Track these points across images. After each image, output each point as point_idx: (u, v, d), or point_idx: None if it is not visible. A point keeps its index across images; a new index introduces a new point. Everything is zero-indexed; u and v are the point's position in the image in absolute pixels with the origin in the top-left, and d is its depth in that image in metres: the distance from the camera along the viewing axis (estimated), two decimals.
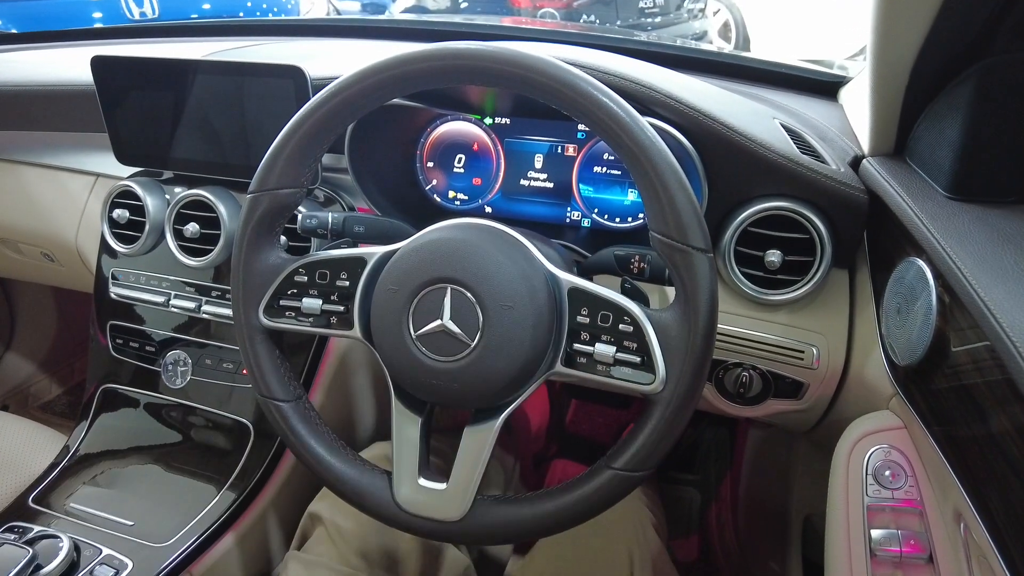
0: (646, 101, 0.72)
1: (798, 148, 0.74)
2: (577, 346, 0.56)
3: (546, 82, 0.52)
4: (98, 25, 2.81)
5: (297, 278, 0.61)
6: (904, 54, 0.62)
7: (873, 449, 0.65)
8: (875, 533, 0.62)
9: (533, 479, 1.33)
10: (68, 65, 1.13)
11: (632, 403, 1.52)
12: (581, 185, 0.89)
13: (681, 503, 1.40)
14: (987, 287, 0.49)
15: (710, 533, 1.34)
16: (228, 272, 0.93)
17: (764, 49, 4.48)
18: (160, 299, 0.97)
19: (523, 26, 1.75)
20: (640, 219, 0.88)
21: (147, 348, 0.99)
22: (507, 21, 2.38)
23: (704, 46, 2.56)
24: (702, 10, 4.32)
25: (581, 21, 3.91)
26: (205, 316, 0.95)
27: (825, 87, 1.02)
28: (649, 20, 4.04)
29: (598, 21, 3.96)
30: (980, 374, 0.50)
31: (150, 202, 0.94)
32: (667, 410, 0.53)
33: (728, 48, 4.23)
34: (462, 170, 0.94)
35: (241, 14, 3.38)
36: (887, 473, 0.64)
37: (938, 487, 0.60)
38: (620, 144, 0.52)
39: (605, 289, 0.55)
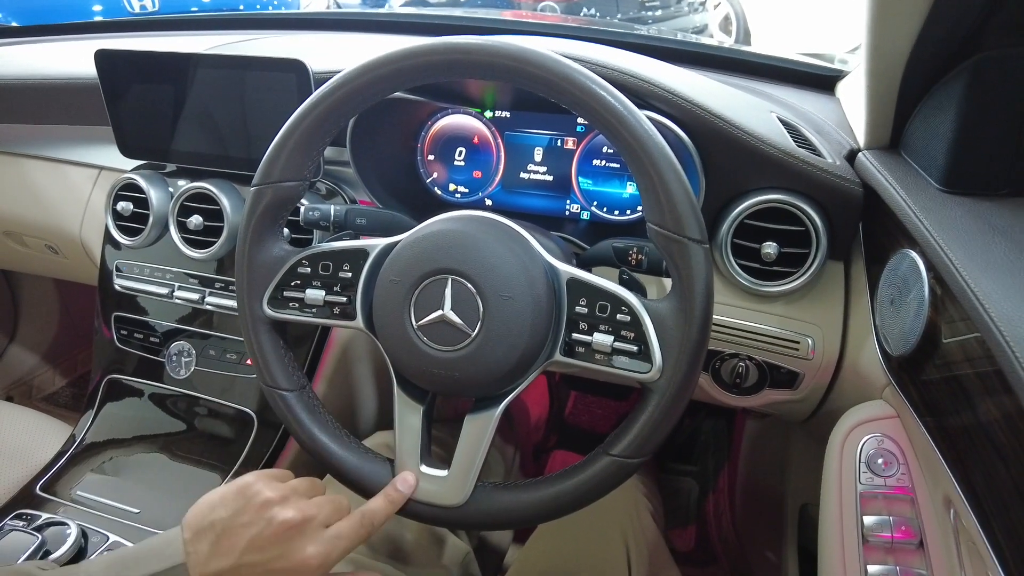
0: (644, 95, 0.73)
1: (794, 142, 0.75)
2: (575, 336, 0.57)
3: (545, 76, 0.53)
4: (99, 18, 2.81)
5: (300, 269, 0.62)
6: (898, 49, 0.63)
7: (866, 438, 0.66)
8: (867, 520, 0.63)
9: (533, 469, 1.35)
10: (70, 59, 1.13)
11: (630, 394, 1.53)
12: (580, 178, 0.90)
13: (679, 493, 1.42)
14: (978, 279, 0.50)
15: (707, 523, 1.36)
16: (231, 264, 0.94)
17: (765, 43, 4.47)
18: (164, 291, 0.98)
19: (524, 20, 1.75)
20: (639, 212, 0.89)
21: (151, 339, 1.00)
22: (508, 14, 2.38)
23: (704, 40, 2.56)
24: (703, 3, 4.31)
25: (581, 14, 3.90)
26: (209, 307, 0.96)
27: (822, 81, 1.03)
28: (649, 13, 4.03)
29: (599, 14, 3.95)
30: (970, 365, 0.51)
31: (154, 195, 0.95)
32: (663, 398, 0.54)
33: (729, 42, 4.22)
34: (463, 163, 0.95)
35: (241, 7, 3.38)
36: (880, 461, 0.65)
37: (929, 474, 0.61)
38: (617, 137, 0.53)
39: (603, 280, 0.56)
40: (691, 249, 0.53)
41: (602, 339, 0.55)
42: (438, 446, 0.77)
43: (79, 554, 0.76)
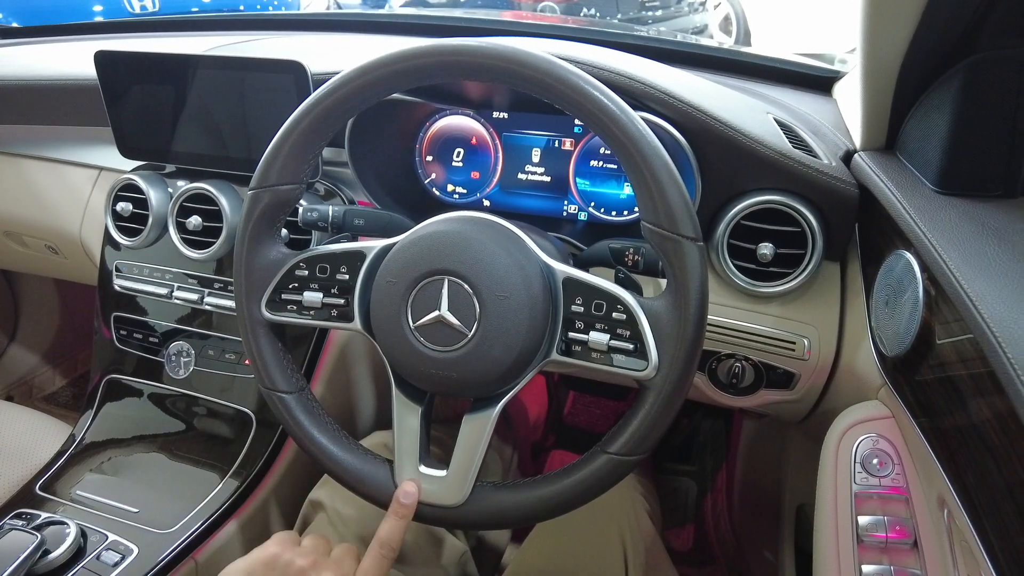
0: (640, 96, 0.73)
1: (791, 143, 0.75)
2: (572, 335, 0.57)
3: (540, 78, 0.54)
4: (99, 19, 2.81)
5: (298, 272, 0.62)
6: (893, 50, 0.64)
7: (862, 438, 0.67)
8: (862, 520, 0.63)
9: (531, 469, 1.35)
10: (70, 59, 1.14)
11: (628, 394, 1.54)
12: (578, 179, 0.90)
13: (677, 493, 1.42)
14: (971, 280, 0.50)
15: (705, 522, 1.36)
16: (230, 264, 0.94)
17: (765, 43, 4.47)
18: (163, 291, 0.98)
19: (523, 21, 1.76)
20: (636, 212, 0.89)
21: (150, 339, 1.01)
22: (507, 15, 2.38)
23: (702, 41, 2.56)
24: (703, 3, 4.31)
25: (581, 15, 3.90)
26: (208, 308, 0.96)
27: (819, 82, 1.03)
28: (649, 14, 4.03)
29: (598, 14, 3.95)
30: (964, 366, 0.51)
31: (153, 195, 0.96)
32: (660, 395, 0.54)
33: (728, 42, 4.23)
34: (460, 164, 0.95)
35: (242, 7, 3.38)
36: (875, 461, 0.65)
37: (923, 474, 0.62)
38: (611, 137, 0.54)
39: (598, 279, 0.57)
40: (685, 247, 0.53)
41: (598, 338, 0.56)
42: (437, 446, 0.78)
43: (78, 553, 0.76)
